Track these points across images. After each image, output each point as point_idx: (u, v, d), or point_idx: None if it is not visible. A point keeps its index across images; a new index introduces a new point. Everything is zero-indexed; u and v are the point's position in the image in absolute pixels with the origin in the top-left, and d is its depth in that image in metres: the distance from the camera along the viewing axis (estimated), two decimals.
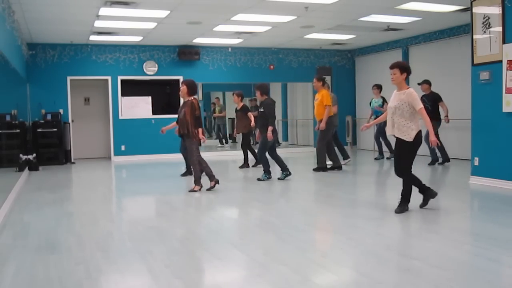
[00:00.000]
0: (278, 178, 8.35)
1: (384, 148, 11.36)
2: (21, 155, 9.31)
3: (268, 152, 8.37)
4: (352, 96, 14.72)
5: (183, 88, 7.18)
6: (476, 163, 7.60)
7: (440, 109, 9.99)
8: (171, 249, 4.39)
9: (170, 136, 12.67)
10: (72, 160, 12.19)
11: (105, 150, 13.40)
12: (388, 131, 5.62)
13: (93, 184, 8.87)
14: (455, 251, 4.12)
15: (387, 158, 11.40)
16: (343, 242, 4.55)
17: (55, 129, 11.65)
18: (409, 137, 5.46)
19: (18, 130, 8.63)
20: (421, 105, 5.44)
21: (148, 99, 13.08)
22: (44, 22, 9.62)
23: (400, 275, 3.56)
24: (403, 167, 5.58)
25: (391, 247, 4.33)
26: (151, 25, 10.15)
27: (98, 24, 9.83)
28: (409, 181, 5.60)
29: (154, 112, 12.99)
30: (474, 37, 7.47)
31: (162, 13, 9.06)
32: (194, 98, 7.17)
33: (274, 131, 8.16)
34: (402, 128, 5.46)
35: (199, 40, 12.34)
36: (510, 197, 6.60)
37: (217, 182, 7.40)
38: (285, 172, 8.37)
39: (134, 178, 9.87)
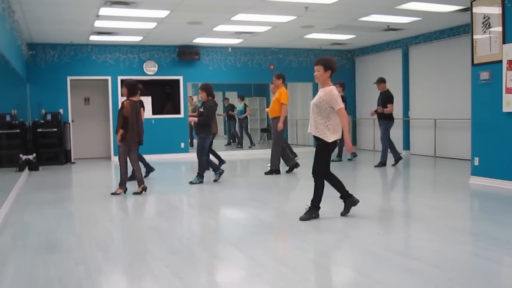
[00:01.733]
0: (190, 182, 8.17)
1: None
2: (21, 155, 9.31)
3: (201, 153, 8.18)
4: (352, 96, 14.71)
5: (123, 90, 7.26)
6: (476, 163, 7.60)
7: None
8: (171, 249, 4.39)
9: (170, 136, 12.71)
10: (72, 160, 12.19)
11: (105, 150, 13.40)
12: (308, 129, 5.34)
13: (93, 184, 8.87)
14: (455, 251, 4.12)
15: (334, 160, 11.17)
16: (343, 242, 4.55)
17: (55, 129, 11.65)
18: (325, 136, 5.17)
19: (18, 130, 8.63)
20: (341, 106, 5.12)
21: (148, 99, 13.07)
22: (44, 22, 9.62)
23: (400, 275, 3.56)
24: (317, 170, 5.30)
25: (391, 247, 4.33)
26: (151, 25, 10.15)
27: (98, 24, 9.83)
28: (321, 185, 5.31)
29: (154, 112, 12.98)
30: (474, 37, 7.47)
31: (162, 13, 9.06)
32: (129, 99, 7.20)
33: (211, 134, 8.18)
34: (319, 127, 5.17)
35: (199, 40, 12.34)
36: (510, 197, 6.60)
37: (125, 190, 7.36)
38: (199, 178, 8.15)
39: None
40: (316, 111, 5.19)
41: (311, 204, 5.37)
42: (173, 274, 3.68)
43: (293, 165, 9.30)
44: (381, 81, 10.03)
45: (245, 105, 15.73)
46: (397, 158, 9.96)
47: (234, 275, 3.77)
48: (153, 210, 6.66)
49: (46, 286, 3.49)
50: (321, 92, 5.25)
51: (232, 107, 15.88)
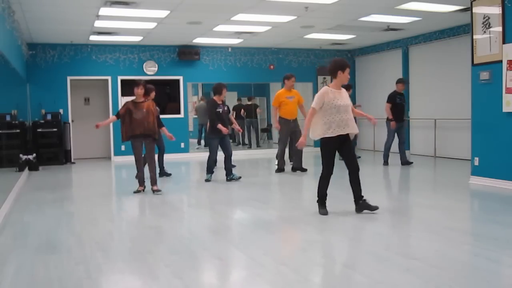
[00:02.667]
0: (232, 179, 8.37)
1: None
2: (21, 155, 9.31)
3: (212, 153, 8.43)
4: (352, 96, 14.66)
5: (140, 91, 7.23)
6: (476, 163, 7.60)
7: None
8: (171, 249, 4.39)
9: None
10: (72, 160, 12.20)
11: (105, 150, 13.40)
12: (345, 130, 5.41)
13: (93, 184, 8.87)
14: (455, 251, 4.12)
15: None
16: (343, 242, 4.55)
17: (55, 129, 11.65)
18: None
19: (18, 130, 8.63)
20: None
21: None
22: (44, 22, 9.62)
23: (400, 275, 3.56)
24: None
25: (390, 247, 4.33)
26: (151, 25, 10.16)
27: (98, 24, 9.83)
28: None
29: None
30: (474, 37, 7.47)
31: (162, 13, 9.06)
32: (152, 99, 7.52)
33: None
34: (354, 124, 5.52)
35: (199, 40, 12.34)
36: (510, 197, 6.60)
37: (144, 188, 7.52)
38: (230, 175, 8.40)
39: (134, 178, 9.85)
40: (349, 110, 5.45)
41: (361, 197, 5.59)
42: (173, 274, 3.68)
43: (282, 168, 9.38)
44: (405, 81, 10.06)
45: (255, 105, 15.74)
46: (386, 160, 10.10)
47: (234, 275, 3.78)
48: (153, 210, 6.65)
49: (46, 286, 3.49)
50: (345, 92, 5.56)
51: (241, 107, 15.84)
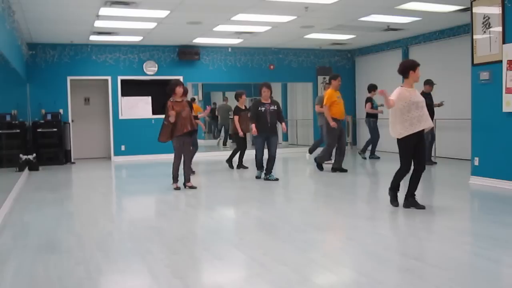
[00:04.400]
0: (277, 179, 8.33)
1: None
2: (21, 155, 9.31)
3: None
4: (352, 96, 14.71)
5: (182, 89, 7.65)
6: (476, 163, 7.60)
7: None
8: (171, 249, 4.39)
9: None
10: (72, 160, 12.20)
11: (105, 150, 13.40)
12: (424, 124, 5.69)
13: (93, 184, 8.86)
14: (455, 251, 4.12)
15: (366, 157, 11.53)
16: (343, 242, 4.55)
17: (55, 129, 11.66)
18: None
19: (18, 130, 8.63)
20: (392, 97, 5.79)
21: (148, 99, 13.08)
22: (44, 22, 9.62)
23: (400, 275, 3.56)
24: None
25: (391, 247, 4.33)
26: (151, 25, 10.16)
27: (98, 24, 9.83)
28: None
29: (154, 112, 12.98)
30: (474, 37, 7.47)
31: (162, 13, 9.06)
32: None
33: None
34: (429, 117, 5.83)
35: (199, 40, 12.34)
36: (510, 197, 6.60)
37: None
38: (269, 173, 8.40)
39: (134, 178, 9.87)
40: (424, 106, 5.77)
41: (414, 195, 5.77)
42: (173, 274, 3.68)
43: (338, 168, 9.16)
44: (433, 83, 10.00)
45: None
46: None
47: (234, 275, 3.77)
48: (153, 210, 6.66)
49: (46, 286, 3.49)
50: (416, 90, 6.00)
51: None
